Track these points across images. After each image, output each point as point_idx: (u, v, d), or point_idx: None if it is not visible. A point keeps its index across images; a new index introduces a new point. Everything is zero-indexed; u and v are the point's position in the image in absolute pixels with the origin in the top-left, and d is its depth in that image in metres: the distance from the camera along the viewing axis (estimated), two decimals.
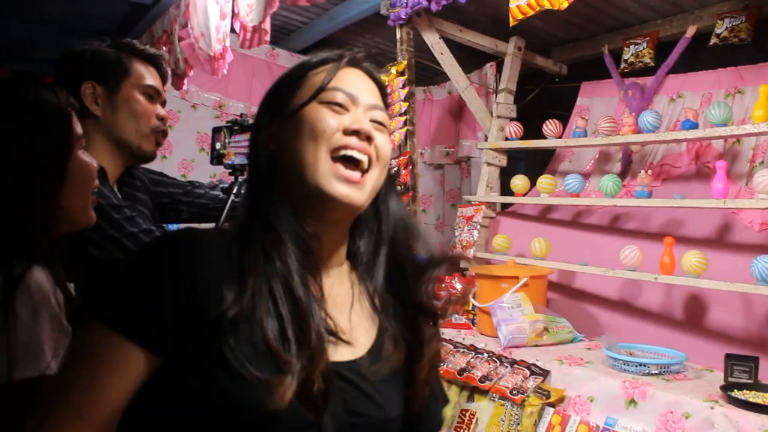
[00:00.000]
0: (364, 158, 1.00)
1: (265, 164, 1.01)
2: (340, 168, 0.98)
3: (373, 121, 1.03)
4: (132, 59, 1.75)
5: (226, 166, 2.06)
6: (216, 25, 3.14)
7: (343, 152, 0.98)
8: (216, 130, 2.12)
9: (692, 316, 2.85)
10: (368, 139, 1.00)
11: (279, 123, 1.01)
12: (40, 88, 1.25)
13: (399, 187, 3.56)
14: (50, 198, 1.22)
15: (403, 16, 3.41)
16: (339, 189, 0.97)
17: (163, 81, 1.84)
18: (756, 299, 2.61)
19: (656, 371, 2.40)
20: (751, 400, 2.06)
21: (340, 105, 1.01)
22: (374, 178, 1.02)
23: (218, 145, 2.09)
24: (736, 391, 2.15)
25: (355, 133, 0.99)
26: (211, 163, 2.12)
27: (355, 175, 0.99)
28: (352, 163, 0.99)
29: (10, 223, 1.16)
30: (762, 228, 2.77)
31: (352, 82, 1.04)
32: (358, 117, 1.01)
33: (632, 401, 2.26)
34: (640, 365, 2.42)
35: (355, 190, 0.98)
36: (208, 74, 3.30)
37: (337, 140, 0.98)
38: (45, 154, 1.22)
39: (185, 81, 3.55)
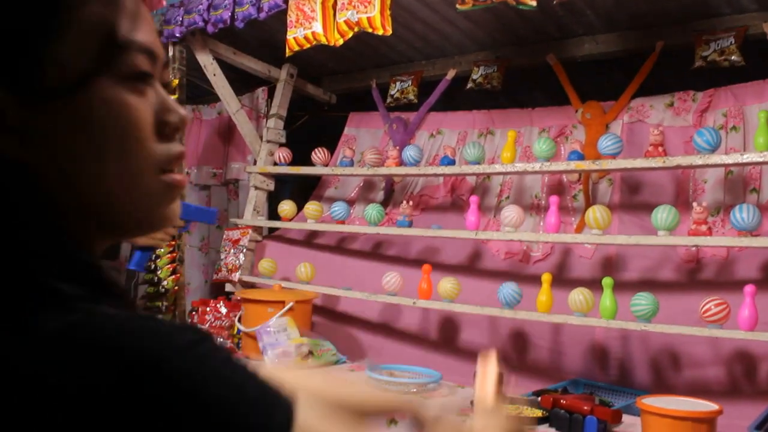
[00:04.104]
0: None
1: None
2: (171, 177, 0.64)
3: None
4: None
5: None
6: None
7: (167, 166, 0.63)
8: None
9: (447, 337, 3.06)
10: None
11: (29, 104, 0.54)
12: None
13: None
14: None
15: (177, 35, 3.32)
16: (173, 211, 0.65)
17: None
18: (501, 321, 2.87)
19: (414, 390, 2.54)
20: None
21: (145, 75, 0.60)
22: None
23: None
24: None
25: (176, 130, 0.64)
26: None
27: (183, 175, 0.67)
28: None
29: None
30: (507, 257, 3.06)
31: (140, 17, 0.61)
32: (165, 96, 0.64)
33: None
34: (400, 385, 2.55)
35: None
36: None
37: (171, 147, 0.63)
38: None
39: None
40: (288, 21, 2.91)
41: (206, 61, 3.53)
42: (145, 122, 0.59)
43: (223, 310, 3.26)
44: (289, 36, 2.91)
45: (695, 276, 2.62)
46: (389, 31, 2.66)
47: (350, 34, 2.78)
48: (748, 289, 2.18)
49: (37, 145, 0.54)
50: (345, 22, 2.74)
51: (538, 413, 2.26)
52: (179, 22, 3.31)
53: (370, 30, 2.68)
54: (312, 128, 4.15)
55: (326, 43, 2.82)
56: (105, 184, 0.58)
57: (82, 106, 0.55)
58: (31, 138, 0.54)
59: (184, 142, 3.57)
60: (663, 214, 2.36)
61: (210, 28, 3.22)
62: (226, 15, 3.13)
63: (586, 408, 2.11)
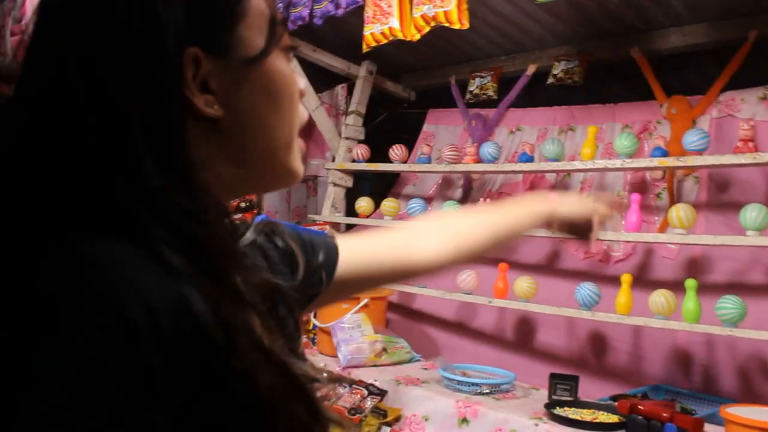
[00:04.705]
0: None
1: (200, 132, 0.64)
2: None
3: None
4: None
5: None
6: None
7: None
8: None
9: (522, 337, 3.00)
10: None
11: (225, 71, 0.66)
12: None
13: (242, 204, 3.51)
14: None
15: None
16: (301, 168, 0.77)
17: None
18: (578, 322, 2.79)
19: (487, 391, 2.50)
20: (570, 416, 2.20)
21: (291, 48, 0.76)
22: None
23: None
24: (558, 408, 2.28)
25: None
26: None
27: None
28: None
29: None
30: (585, 257, 2.97)
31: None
32: None
33: (464, 420, 2.34)
34: (473, 385, 2.51)
35: None
36: None
37: (302, 111, 0.76)
38: None
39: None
40: (365, 17, 2.91)
41: None
42: (296, 86, 0.74)
43: None
44: (366, 32, 2.91)
45: None
46: (466, 25, 2.62)
47: (427, 29, 2.75)
48: None
49: (228, 104, 0.67)
50: (422, 16, 2.71)
51: (615, 418, 2.19)
52: None
53: (446, 24, 2.64)
54: (391, 125, 4.14)
55: (403, 38, 2.80)
56: (276, 136, 0.71)
57: (263, 73, 0.69)
58: (225, 98, 0.66)
59: None
60: (753, 214, 2.24)
61: (289, 26, 3.25)
62: (305, 12, 3.16)
63: (665, 415, 2.02)
